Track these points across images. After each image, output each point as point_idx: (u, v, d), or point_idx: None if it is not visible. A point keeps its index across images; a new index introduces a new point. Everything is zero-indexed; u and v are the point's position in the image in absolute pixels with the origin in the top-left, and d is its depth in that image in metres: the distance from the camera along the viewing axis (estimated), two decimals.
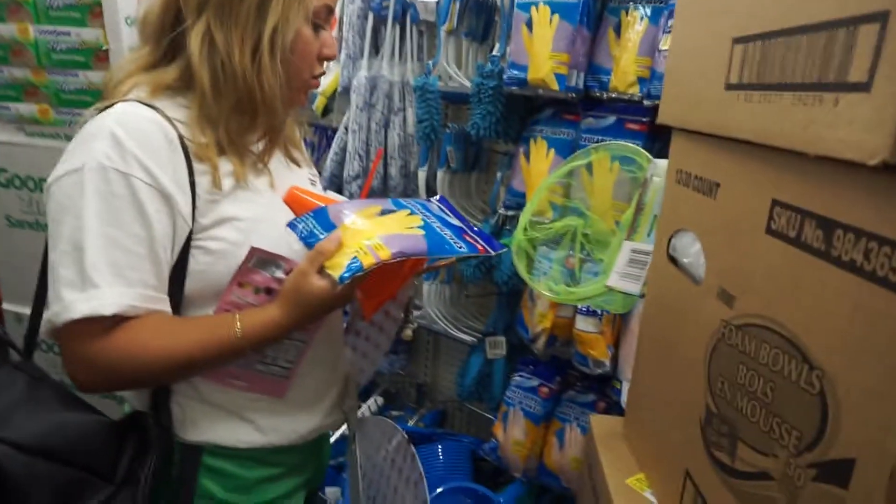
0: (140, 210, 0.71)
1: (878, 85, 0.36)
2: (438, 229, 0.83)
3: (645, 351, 0.80)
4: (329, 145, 1.95)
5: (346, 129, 1.84)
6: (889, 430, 0.36)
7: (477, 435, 2.06)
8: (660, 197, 0.83)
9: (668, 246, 0.72)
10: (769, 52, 0.49)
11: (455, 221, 0.88)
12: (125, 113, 0.73)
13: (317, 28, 0.82)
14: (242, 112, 0.79)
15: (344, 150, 1.85)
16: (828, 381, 0.42)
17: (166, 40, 0.78)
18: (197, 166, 0.76)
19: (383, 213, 0.83)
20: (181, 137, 0.75)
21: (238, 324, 0.76)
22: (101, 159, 0.70)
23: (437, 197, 0.97)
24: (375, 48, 1.82)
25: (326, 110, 1.95)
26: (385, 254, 0.74)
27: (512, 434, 1.60)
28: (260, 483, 0.88)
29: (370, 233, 0.77)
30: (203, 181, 0.76)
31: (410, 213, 0.85)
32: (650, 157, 0.94)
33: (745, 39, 0.53)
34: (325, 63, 0.87)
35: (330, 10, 0.83)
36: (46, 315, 0.73)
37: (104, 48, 1.59)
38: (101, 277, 0.70)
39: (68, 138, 1.80)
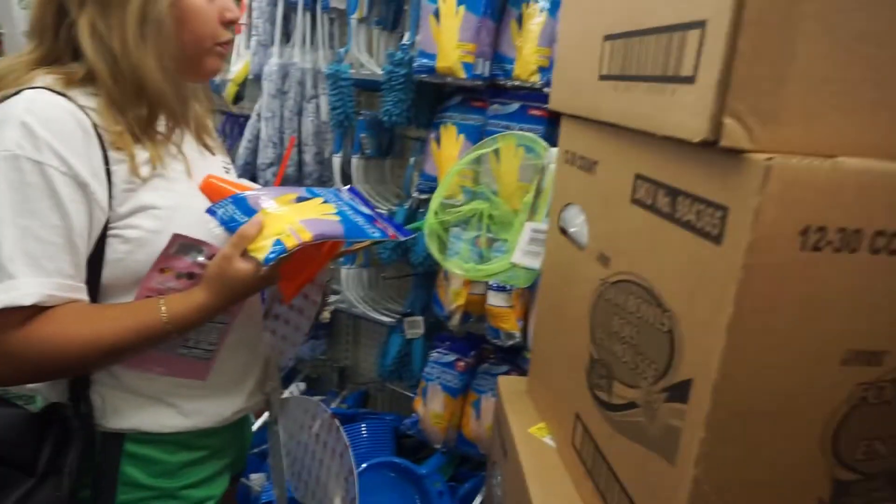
0: (55, 199, 0.71)
1: (700, 79, 0.45)
2: (352, 216, 0.88)
3: (542, 313, 0.90)
4: (241, 133, 1.93)
5: (259, 116, 1.83)
6: (713, 352, 0.45)
7: (399, 413, 2.12)
8: None
9: (558, 219, 0.81)
10: (629, 48, 0.58)
11: (365, 210, 0.94)
12: (35, 100, 0.71)
13: None
14: (140, 99, 0.78)
15: (257, 137, 1.85)
16: (674, 320, 0.51)
17: (62, 36, 0.77)
18: (112, 155, 0.75)
19: (299, 200, 0.87)
20: (95, 126, 0.74)
21: (163, 308, 0.77)
22: (12, 148, 0.69)
23: (348, 187, 1.01)
24: (286, 35, 1.83)
25: (238, 98, 1.94)
26: (307, 236, 0.78)
27: (431, 408, 1.68)
28: (183, 467, 0.89)
29: (290, 217, 0.81)
30: (119, 170, 0.76)
31: (325, 202, 0.89)
32: (547, 145, 1.03)
33: (612, 37, 0.62)
34: (232, 25, 0.87)
35: None
36: None
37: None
38: (18, 268, 0.69)
39: None
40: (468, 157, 1.24)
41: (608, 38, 0.63)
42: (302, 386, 2.13)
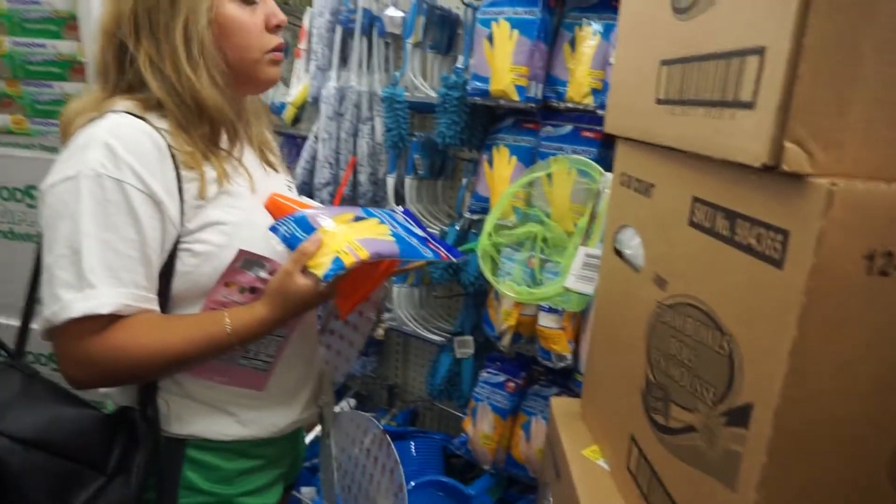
0: (133, 215, 0.76)
1: (760, 104, 0.45)
2: (406, 237, 0.91)
3: (597, 335, 0.90)
4: (299, 154, 2.01)
5: (316, 137, 1.90)
6: (774, 377, 0.45)
7: (447, 432, 2.13)
8: None
9: (613, 240, 0.81)
10: (687, 73, 0.58)
11: (419, 232, 0.96)
12: (117, 123, 0.77)
13: (250, 3, 0.85)
14: (201, 118, 0.82)
15: (314, 158, 1.91)
16: (734, 344, 0.51)
17: (128, 71, 0.82)
18: (184, 173, 0.80)
19: (356, 219, 0.91)
20: (169, 146, 0.79)
21: (228, 320, 0.81)
22: (95, 167, 0.74)
23: (402, 209, 1.05)
24: (344, 59, 1.89)
25: (296, 119, 2.01)
26: (364, 254, 0.81)
27: (481, 428, 1.68)
28: (241, 475, 0.92)
29: (348, 236, 0.84)
30: (190, 187, 0.81)
31: (380, 222, 0.92)
32: (602, 170, 1.04)
33: (669, 62, 0.63)
34: (279, 30, 0.89)
35: None
36: (44, 315, 0.76)
37: (81, 60, 1.63)
38: (98, 279, 0.74)
39: (43, 148, 1.82)
40: (522, 181, 1.26)
41: (665, 62, 0.64)
42: (352, 402, 2.16)
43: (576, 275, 1.01)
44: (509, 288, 1.17)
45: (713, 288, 0.55)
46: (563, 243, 1.17)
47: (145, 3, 0.80)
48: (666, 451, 0.63)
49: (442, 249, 0.94)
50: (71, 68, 1.67)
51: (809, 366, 0.44)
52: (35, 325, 0.84)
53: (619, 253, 0.80)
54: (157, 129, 0.79)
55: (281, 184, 1.01)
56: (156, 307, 0.81)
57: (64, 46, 1.66)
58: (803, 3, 0.41)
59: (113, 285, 0.75)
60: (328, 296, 0.87)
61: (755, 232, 0.48)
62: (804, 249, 0.43)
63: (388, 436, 1.22)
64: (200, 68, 0.81)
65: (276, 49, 0.89)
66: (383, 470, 1.22)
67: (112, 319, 0.76)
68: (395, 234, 0.90)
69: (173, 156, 0.80)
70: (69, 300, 0.74)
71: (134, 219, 0.76)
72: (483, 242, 1.14)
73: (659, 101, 0.65)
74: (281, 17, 0.89)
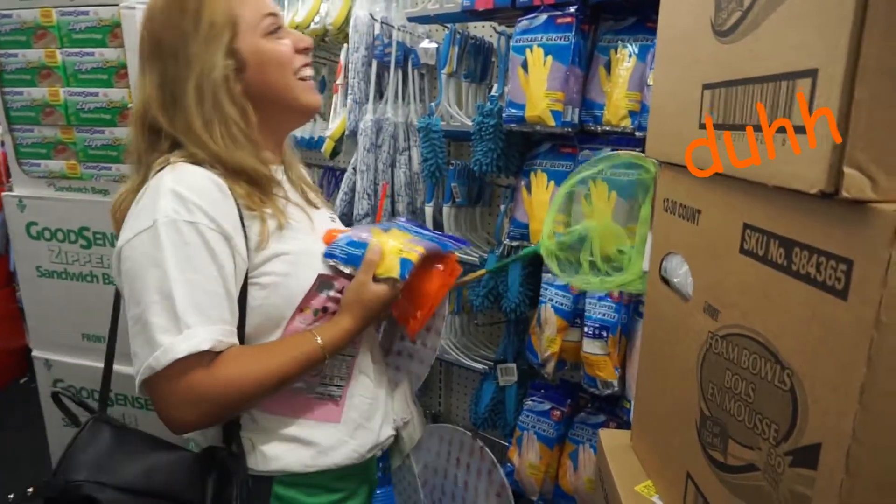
0: (211, 254, 0.79)
1: (814, 128, 0.43)
2: (426, 236, 1.00)
3: (645, 366, 0.87)
4: (338, 186, 2.04)
5: (355, 169, 1.92)
6: (844, 415, 0.42)
7: None
8: None
9: (660, 268, 0.79)
10: (732, 97, 0.57)
11: (426, 232, 1.04)
12: (179, 171, 0.81)
13: (277, 36, 0.89)
14: (239, 175, 0.85)
15: (353, 189, 1.94)
16: (796, 379, 0.48)
17: (163, 146, 0.86)
18: (245, 212, 0.84)
19: (385, 230, 0.98)
20: (229, 187, 0.83)
21: (318, 338, 0.85)
22: (169, 214, 0.77)
23: (404, 218, 1.12)
24: (380, 92, 1.93)
25: (335, 152, 2.05)
26: (421, 249, 0.92)
27: (527, 458, 1.64)
28: None
29: (398, 241, 0.94)
30: (252, 224, 0.84)
31: (402, 230, 1.00)
32: (655, 161, 0.99)
33: (712, 86, 0.61)
34: (308, 52, 0.93)
35: (270, 14, 0.89)
36: (143, 364, 0.76)
37: (129, 106, 1.70)
38: (192, 319, 0.76)
39: (95, 191, 1.89)
40: (577, 177, 1.21)
41: (707, 86, 0.62)
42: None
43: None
44: (583, 281, 1.13)
45: (770, 318, 0.53)
46: (621, 240, 1.13)
47: (164, 75, 0.85)
48: (726, 489, 0.60)
49: (451, 241, 1.03)
50: (120, 114, 1.74)
51: (883, 404, 0.41)
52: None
53: (665, 280, 0.77)
54: (213, 171, 0.83)
55: (325, 218, 1.04)
56: (237, 341, 0.83)
57: (114, 93, 1.74)
58: (857, 24, 0.39)
59: (204, 323, 0.77)
60: (397, 296, 0.92)
61: (814, 261, 0.46)
62: (871, 280, 0.40)
63: (478, 440, 1.19)
64: (214, 126, 0.84)
65: (304, 66, 0.93)
66: (479, 473, 1.19)
67: (210, 357, 0.78)
68: (420, 236, 0.98)
69: (234, 196, 0.83)
70: (171, 343, 0.75)
71: (212, 256, 0.79)
72: (545, 242, 1.12)
73: (703, 126, 0.63)
74: (307, 40, 0.93)
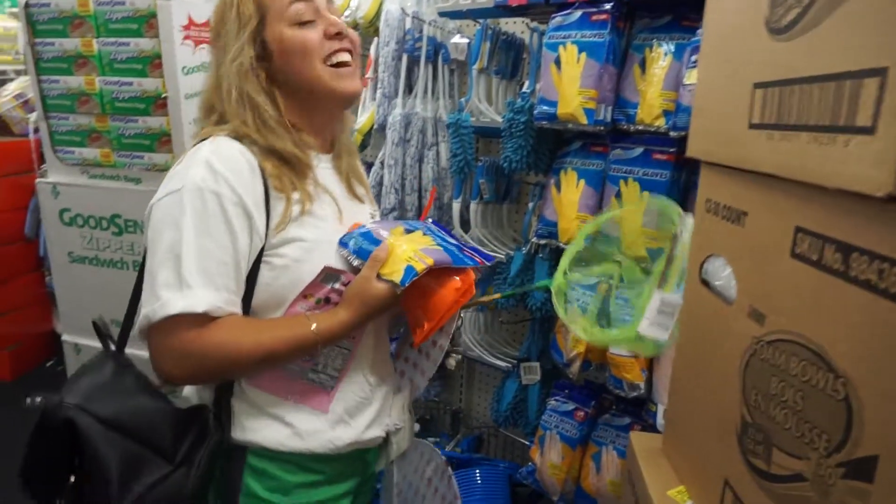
0: (228, 224, 0.82)
1: (881, 129, 0.42)
2: (449, 246, 0.97)
3: (681, 369, 0.85)
4: None
5: (382, 164, 1.92)
6: None
7: (513, 460, 2.08)
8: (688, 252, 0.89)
9: (700, 270, 0.77)
10: (787, 96, 0.55)
11: (452, 240, 1.02)
12: (218, 144, 0.86)
13: (305, 24, 0.90)
14: (271, 154, 0.89)
15: (380, 184, 1.94)
16: (851, 388, 0.47)
17: (215, 113, 0.92)
18: (273, 192, 0.87)
19: (406, 231, 0.98)
20: (260, 166, 0.86)
21: (313, 324, 0.87)
22: (197, 181, 0.82)
23: (431, 220, 1.11)
24: (409, 87, 1.92)
25: (363, 146, 2.05)
26: (429, 261, 0.90)
27: (549, 458, 1.63)
28: (298, 487, 0.95)
29: (412, 246, 0.92)
30: (277, 206, 0.87)
31: (424, 234, 0.99)
32: (681, 211, 0.99)
33: (764, 85, 0.60)
34: (341, 37, 0.93)
35: (298, 1, 0.90)
36: (143, 312, 0.82)
37: (163, 95, 1.71)
38: (195, 280, 0.80)
39: (127, 179, 1.92)
40: (600, 219, 1.20)
41: (759, 85, 0.61)
42: (416, 427, 2.15)
43: (650, 320, 0.96)
44: (581, 329, 1.13)
45: (823, 325, 0.51)
46: (639, 281, 1.12)
47: (215, 58, 0.93)
48: (768, 498, 0.58)
49: (476, 255, 1.00)
50: (154, 103, 1.76)
51: None
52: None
53: (706, 283, 0.76)
54: (250, 150, 0.87)
55: (365, 214, 1.06)
56: (240, 312, 0.86)
57: (148, 83, 1.76)
58: None
59: (208, 288, 0.81)
60: (398, 300, 0.92)
61: (876, 267, 0.44)
62: None
63: (450, 468, 1.20)
64: (246, 111, 0.88)
65: (335, 52, 0.93)
66: (443, 500, 1.20)
67: (205, 319, 0.82)
68: (441, 244, 0.96)
69: (263, 175, 0.86)
70: (168, 298, 0.80)
71: (229, 228, 0.82)
72: (558, 280, 1.11)
73: (753, 126, 0.62)
74: (339, 24, 0.93)
